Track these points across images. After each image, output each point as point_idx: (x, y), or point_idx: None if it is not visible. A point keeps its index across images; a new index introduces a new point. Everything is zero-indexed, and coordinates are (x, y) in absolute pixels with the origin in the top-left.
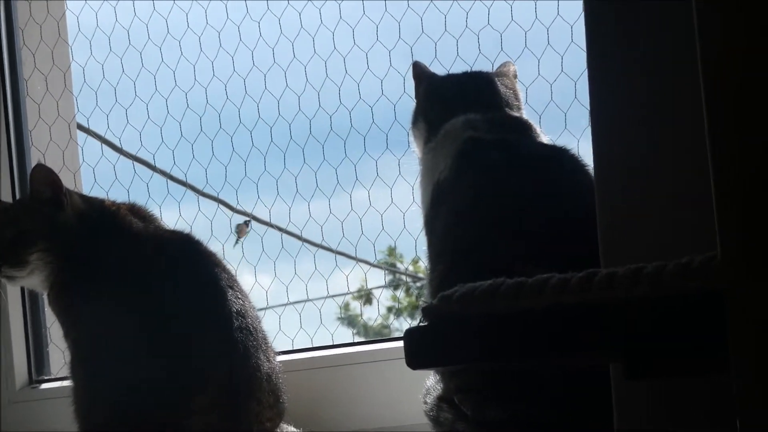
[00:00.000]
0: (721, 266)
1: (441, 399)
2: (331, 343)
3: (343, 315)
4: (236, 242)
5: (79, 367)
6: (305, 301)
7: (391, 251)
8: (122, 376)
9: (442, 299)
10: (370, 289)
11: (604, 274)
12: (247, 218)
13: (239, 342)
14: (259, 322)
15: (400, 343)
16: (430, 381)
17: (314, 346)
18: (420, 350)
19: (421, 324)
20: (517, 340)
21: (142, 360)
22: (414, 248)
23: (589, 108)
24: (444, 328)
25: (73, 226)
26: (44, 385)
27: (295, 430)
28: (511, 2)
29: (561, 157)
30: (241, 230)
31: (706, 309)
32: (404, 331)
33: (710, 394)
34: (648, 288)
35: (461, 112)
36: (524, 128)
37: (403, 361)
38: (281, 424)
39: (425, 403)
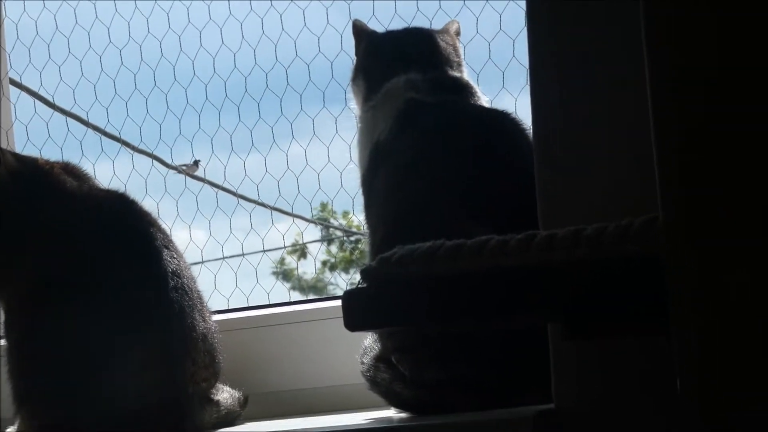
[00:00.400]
0: (662, 229)
1: (378, 359)
2: (267, 302)
3: (278, 269)
4: (178, 172)
5: (12, 327)
6: (240, 255)
7: (325, 207)
8: (56, 337)
9: (381, 261)
10: (305, 243)
11: (544, 236)
12: (197, 159)
13: (174, 302)
14: (195, 282)
15: (337, 302)
16: (368, 341)
17: (250, 305)
18: (358, 312)
19: (360, 286)
20: (456, 302)
21: (76, 320)
22: (350, 205)
23: (528, 67)
24: (383, 290)
25: (6, 186)
26: None
27: (231, 390)
28: None
29: (502, 120)
30: (191, 168)
31: (646, 271)
32: (343, 293)
33: (648, 356)
34: (588, 250)
35: (402, 71)
36: (465, 90)
37: (341, 320)
38: (217, 384)
39: (362, 363)
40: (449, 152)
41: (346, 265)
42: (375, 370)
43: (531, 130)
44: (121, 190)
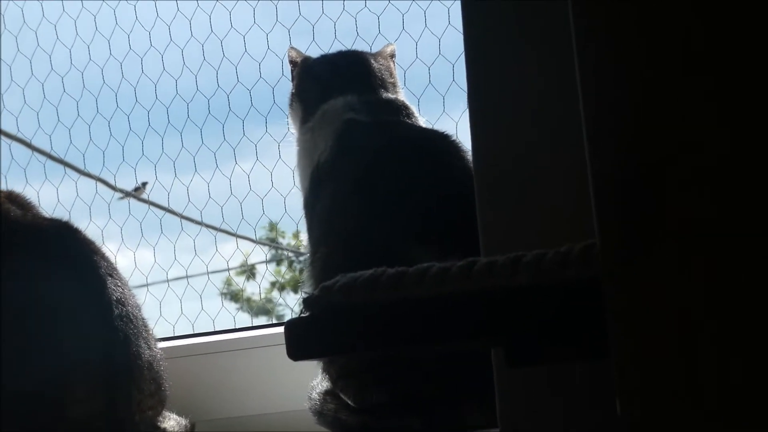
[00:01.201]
0: (600, 255)
1: (326, 393)
2: (213, 328)
3: (225, 290)
4: (122, 198)
5: None
6: (185, 277)
7: (273, 227)
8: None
9: (323, 290)
10: (252, 264)
11: (484, 263)
12: (144, 181)
13: (119, 330)
14: (140, 309)
15: (281, 329)
16: (315, 380)
17: (196, 332)
18: (302, 342)
19: (302, 315)
20: (399, 329)
21: (19, 350)
22: (296, 225)
23: (467, 91)
24: (325, 318)
25: None
26: None
27: (177, 418)
28: None
29: (441, 141)
30: (139, 191)
31: (586, 296)
32: (285, 323)
33: (593, 378)
34: (528, 276)
35: (338, 93)
36: (402, 111)
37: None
38: (163, 412)
39: (310, 398)
40: (390, 174)
41: (295, 285)
42: (322, 403)
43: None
44: (65, 218)
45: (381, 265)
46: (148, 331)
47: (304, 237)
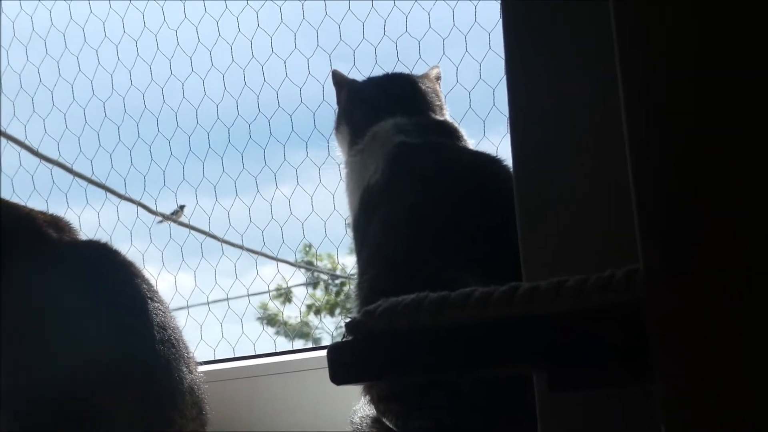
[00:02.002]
0: (644, 280)
1: (368, 417)
2: (253, 352)
3: (262, 315)
4: (161, 221)
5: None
6: (225, 300)
7: (309, 249)
8: (41, 391)
9: (366, 314)
10: (289, 287)
11: (527, 288)
12: (182, 204)
13: (161, 355)
14: (180, 333)
15: (322, 352)
16: (357, 404)
17: (237, 356)
18: (344, 366)
19: (345, 339)
20: (441, 354)
21: (63, 375)
22: (336, 248)
23: (508, 116)
24: (367, 343)
25: None
26: None
27: None
28: (428, 9)
29: (492, 165)
30: (177, 214)
31: (628, 321)
32: (328, 346)
33: (635, 403)
34: (570, 301)
35: (387, 115)
36: (452, 133)
37: (326, 370)
38: None
39: (352, 422)
40: (441, 199)
41: (332, 308)
42: (364, 427)
43: None
44: (104, 240)
45: (428, 290)
46: (189, 354)
47: (341, 260)
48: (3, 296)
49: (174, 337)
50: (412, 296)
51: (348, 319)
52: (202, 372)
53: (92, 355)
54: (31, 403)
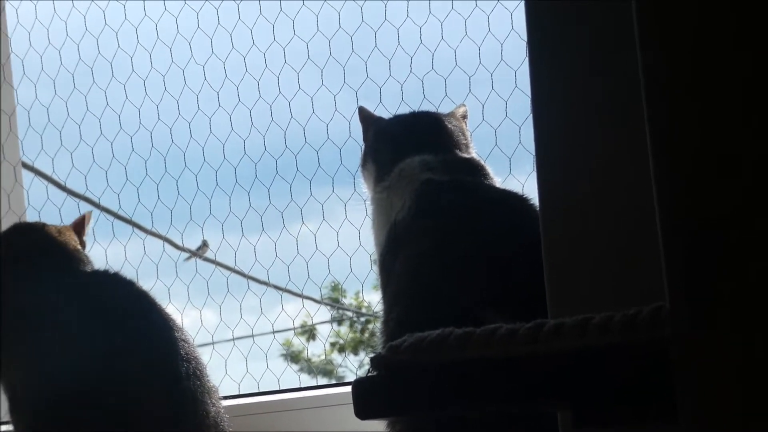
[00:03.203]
0: (670, 318)
1: None
2: (278, 387)
3: (286, 351)
4: (188, 258)
5: (16, 411)
6: (250, 336)
7: (336, 287)
8: (61, 422)
9: (391, 349)
10: (314, 324)
11: (552, 325)
12: (205, 240)
13: (188, 390)
14: (204, 365)
15: (347, 388)
16: None
17: (261, 390)
18: (369, 401)
19: (370, 374)
20: (465, 390)
21: (84, 405)
22: (360, 286)
23: (534, 154)
24: (392, 378)
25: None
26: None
27: None
28: (455, 47)
29: (518, 203)
30: (202, 250)
31: (654, 359)
32: (353, 381)
33: None
34: (596, 338)
35: (414, 153)
36: (479, 171)
37: (350, 405)
38: None
39: None
40: (468, 237)
41: (355, 347)
42: None
43: None
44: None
45: (454, 326)
46: (213, 386)
47: (366, 296)
48: (31, 311)
49: (198, 369)
50: (438, 332)
51: (373, 354)
52: (226, 406)
53: (121, 392)
54: None
